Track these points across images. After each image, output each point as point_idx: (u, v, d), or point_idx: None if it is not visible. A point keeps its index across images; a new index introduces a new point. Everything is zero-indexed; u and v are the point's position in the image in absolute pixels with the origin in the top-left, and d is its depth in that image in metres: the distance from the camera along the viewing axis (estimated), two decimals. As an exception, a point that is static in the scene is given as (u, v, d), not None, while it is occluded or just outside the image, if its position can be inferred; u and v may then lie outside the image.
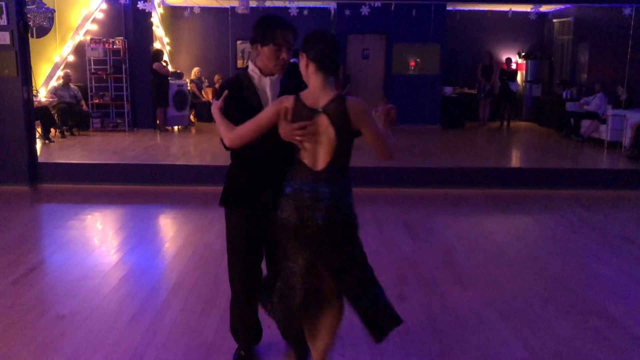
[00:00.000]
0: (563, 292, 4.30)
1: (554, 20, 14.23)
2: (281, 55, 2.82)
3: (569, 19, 13.57)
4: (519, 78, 14.07)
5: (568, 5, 13.08)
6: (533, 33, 14.47)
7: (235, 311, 3.22)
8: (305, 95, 2.63)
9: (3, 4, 7.17)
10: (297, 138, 2.61)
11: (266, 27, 2.80)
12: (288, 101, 2.62)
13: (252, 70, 2.87)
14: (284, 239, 2.72)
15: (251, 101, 2.84)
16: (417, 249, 5.32)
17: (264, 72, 2.86)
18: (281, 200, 2.71)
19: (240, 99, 2.84)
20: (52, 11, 10.60)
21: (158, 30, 13.08)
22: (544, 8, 13.68)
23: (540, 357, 3.35)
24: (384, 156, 2.82)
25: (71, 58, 11.78)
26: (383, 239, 5.57)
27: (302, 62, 2.66)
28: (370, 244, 5.38)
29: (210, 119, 13.44)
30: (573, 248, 5.44)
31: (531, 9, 11.30)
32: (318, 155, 2.65)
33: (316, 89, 2.64)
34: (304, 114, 2.59)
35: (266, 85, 2.87)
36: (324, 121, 2.60)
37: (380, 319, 2.87)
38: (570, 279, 4.60)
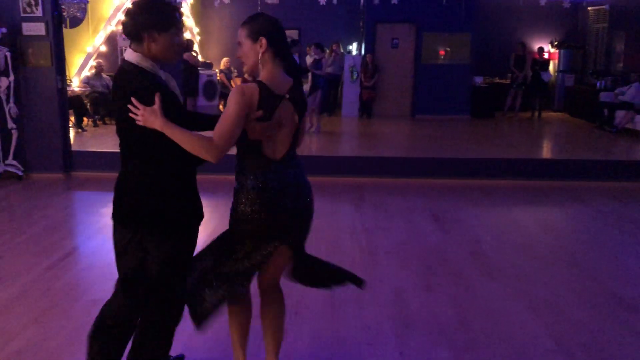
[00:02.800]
0: (593, 285, 4.25)
1: (589, 9, 13.90)
2: (179, 40, 2.50)
3: (604, 6, 13.25)
4: (551, 68, 13.81)
5: (604, -7, 12.77)
6: (566, 22, 14.16)
7: (168, 337, 2.81)
8: (267, 81, 2.47)
9: (38, -5, 7.31)
10: (268, 133, 2.46)
11: (164, 9, 2.44)
12: (252, 88, 2.41)
13: (145, 62, 2.44)
14: (246, 233, 2.60)
15: (175, 99, 2.48)
16: (445, 239, 5.30)
17: (167, 61, 2.52)
18: (241, 196, 2.59)
19: (171, 99, 2.45)
20: (85, 2, 10.77)
21: (188, 20, 13.18)
22: (579, -5, 13.37)
23: (568, 349, 3.32)
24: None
25: (103, 48, 11.96)
26: (411, 230, 5.57)
27: (256, 47, 2.47)
28: (398, 235, 5.39)
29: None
30: (605, 240, 5.35)
31: (565, -4, 11.06)
32: (277, 143, 2.54)
33: (277, 74, 2.51)
34: (270, 101, 2.45)
35: (169, 78, 2.59)
36: (289, 107, 2.54)
37: (349, 274, 2.89)
38: (601, 271, 4.54)
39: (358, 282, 2.86)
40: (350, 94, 13.08)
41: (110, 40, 11.96)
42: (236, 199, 2.62)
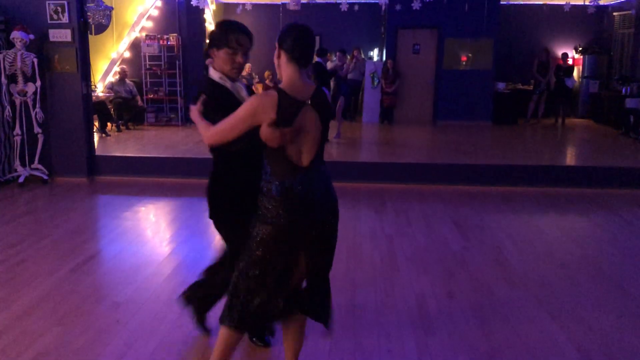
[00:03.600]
0: (618, 294, 4.18)
1: (614, 14, 13.71)
2: (236, 59, 2.83)
3: (630, 12, 13.06)
4: (575, 74, 13.65)
5: (629, -2, 12.60)
6: (591, 27, 13.99)
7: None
8: (286, 88, 2.52)
9: (65, 2, 7.44)
10: (290, 139, 2.50)
11: (222, 31, 2.82)
12: (269, 96, 2.48)
13: (217, 76, 2.84)
14: (266, 236, 2.56)
15: (232, 105, 2.68)
16: (466, 246, 5.26)
17: (230, 79, 2.86)
18: (265, 199, 2.56)
19: (221, 104, 2.73)
20: (111, 9, 10.94)
21: (211, 26, 13.31)
22: (603, 1, 13.20)
23: (591, 358, 3.27)
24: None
25: (127, 54, 12.12)
26: (432, 236, 5.53)
27: (276, 53, 2.63)
28: (419, 241, 5.36)
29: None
30: (630, 249, 5.26)
31: (590, 1, 10.94)
32: (303, 150, 2.56)
33: (296, 81, 2.55)
34: (291, 107, 2.49)
35: (240, 89, 2.90)
36: (312, 113, 2.56)
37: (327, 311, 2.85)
38: (626, 280, 4.46)
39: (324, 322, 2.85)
40: (371, 100, 13.07)
41: (134, 46, 12.13)
42: (261, 203, 2.60)
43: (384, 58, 13.50)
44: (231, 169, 2.84)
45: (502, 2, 12.93)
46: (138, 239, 5.42)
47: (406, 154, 9.14)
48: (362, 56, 13.55)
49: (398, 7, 12.01)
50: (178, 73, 12.00)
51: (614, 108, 12.11)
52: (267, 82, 14.18)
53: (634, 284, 4.38)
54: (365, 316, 3.78)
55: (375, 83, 12.86)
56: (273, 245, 2.56)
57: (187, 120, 12.18)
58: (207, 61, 2.90)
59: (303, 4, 10.70)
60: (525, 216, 6.49)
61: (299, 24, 2.63)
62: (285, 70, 2.57)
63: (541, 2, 12.93)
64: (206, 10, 12.50)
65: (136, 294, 4.08)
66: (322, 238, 2.66)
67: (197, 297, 3.43)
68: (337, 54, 10.93)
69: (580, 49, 13.82)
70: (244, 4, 11.87)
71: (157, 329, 3.57)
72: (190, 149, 9.09)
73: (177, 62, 11.96)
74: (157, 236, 5.55)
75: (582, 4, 11.72)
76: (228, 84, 2.86)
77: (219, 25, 2.88)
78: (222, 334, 2.77)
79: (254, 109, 2.46)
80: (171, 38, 11.91)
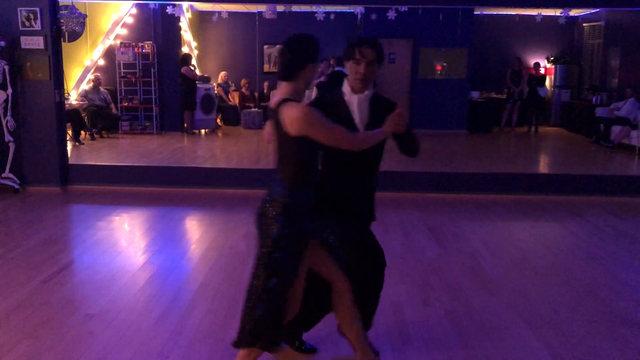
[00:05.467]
0: (591, 300, 4.24)
1: (584, 25, 14.01)
2: (359, 69, 3.01)
3: (599, 23, 13.36)
4: (547, 83, 13.88)
5: (599, 9, 12.89)
6: (562, 37, 14.27)
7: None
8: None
9: (37, 9, 7.35)
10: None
11: (350, 45, 3.08)
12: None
13: (345, 87, 3.09)
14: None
15: (340, 115, 2.99)
16: (442, 254, 5.29)
17: (354, 90, 3.04)
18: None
19: (332, 112, 2.94)
20: (84, 16, 10.80)
21: (186, 34, 13.24)
22: (574, 12, 13.49)
23: (567, 365, 3.31)
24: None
25: (101, 62, 11.99)
26: (408, 244, 5.56)
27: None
28: (395, 249, 5.38)
29: (236, 122, 13.57)
30: (602, 256, 5.35)
31: (561, 13, 11.15)
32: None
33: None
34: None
35: (354, 102, 3.07)
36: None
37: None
38: (598, 287, 4.53)
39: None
40: (347, 108, 13.10)
41: (109, 54, 12.00)
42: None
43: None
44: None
45: (476, 13, 13.11)
46: (112, 249, 5.35)
47: (382, 162, 9.16)
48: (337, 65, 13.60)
49: (373, 16, 12.12)
50: (153, 81, 11.90)
51: (585, 117, 12.34)
52: (243, 90, 14.15)
53: (605, 290, 4.46)
54: (342, 325, 3.77)
55: (352, 92, 12.91)
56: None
57: (162, 128, 12.10)
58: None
59: (279, 12, 10.71)
60: (499, 223, 6.56)
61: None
62: None
63: (514, 13, 13.15)
64: (182, 18, 12.43)
65: (110, 305, 4.02)
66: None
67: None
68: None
69: (552, 58, 14.08)
70: (219, 12, 11.84)
71: (131, 340, 3.51)
72: (165, 158, 9.01)
73: (152, 70, 11.87)
74: (131, 246, 5.48)
75: (554, 14, 11.95)
76: (347, 96, 3.07)
77: (351, 40, 3.20)
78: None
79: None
80: (146, 46, 11.82)
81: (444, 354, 3.42)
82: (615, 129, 10.82)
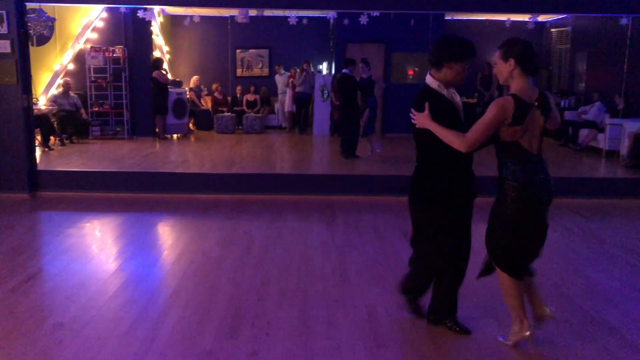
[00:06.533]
0: (562, 302, 4.31)
1: (552, 30, 14.29)
2: (465, 68, 3.37)
3: (566, 28, 13.64)
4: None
5: (566, 15, 13.15)
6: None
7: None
8: (518, 93, 3.14)
9: (4, 12, 7.20)
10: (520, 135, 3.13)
11: (462, 46, 3.30)
12: (509, 101, 3.11)
13: (435, 83, 3.31)
14: (507, 216, 3.27)
15: (450, 109, 3.28)
16: (415, 257, 5.31)
17: (445, 85, 3.31)
18: (503, 185, 3.29)
19: (442, 108, 3.26)
20: (53, 20, 10.62)
21: (158, 38, 13.13)
22: (542, 18, 13.74)
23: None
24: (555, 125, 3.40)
25: (71, 66, 11.81)
26: (382, 247, 5.58)
27: (507, 66, 3.17)
28: (370, 252, 5.40)
29: (209, 127, 13.48)
30: (572, 257, 5.44)
31: (529, 18, 11.33)
32: (532, 140, 3.17)
33: (525, 87, 3.17)
34: (523, 109, 3.10)
35: (452, 94, 3.39)
36: (537, 112, 3.17)
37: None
38: (568, 288, 4.60)
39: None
40: (321, 113, 13.14)
41: (79, 58, 11.83)
42: (499, 189, 3.33)
43: (333, 71, 13.63)
44: (438, 165, 3.42)
45: (446, 18, 13.28)
46: (82, 256, 5.25)
47: (356, 166, 9.21)
48: (312, 69, 13.64)
49: (346, 21, 12.16)
50: (124, 85, 11.77)
51: (554, 120, 12.55)
52: (215, 94, 14.08)
53: (577, 291, 4.53)
54: (317, 328, 3.76)
55: (325, 96, 12.95)
56: (527, 214, 3.23)
57: (133, 133, 11.96)
58: (431, 72, 3.34)
59: (252, 16, 10.68)
60: (472, 226, 6.61)
61: (521, 39, 3.24)
62: (518, 79, 3.17)
63: (484, 18, 13.34)
64: (153, 23, 12.32)
65: (80, 313, 3.94)
66: (546, 209, 3.30)
67: (408, 288, 3.84)
68: (362, 65, 10.66)
69: (522, 63, 14.31)
70: (191, 16, 11.76)
71: (102, 349, 3.45)
72: (137, 163, 8.91)
73: (123, 75, 11.74)
74: (102, 253, 5.39)
75: (522, 20, 12.16)
76: (444, 91, 3.31)
77: (455, 40, 3.33)
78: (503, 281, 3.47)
79: (500, 113, 3.09)
80: (117, 50, 11.68)
81: (418, 356, 3.44)
82: (583, 132, 11.05)
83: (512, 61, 3.16)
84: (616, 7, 9.05)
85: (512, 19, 12.16)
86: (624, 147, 9.82)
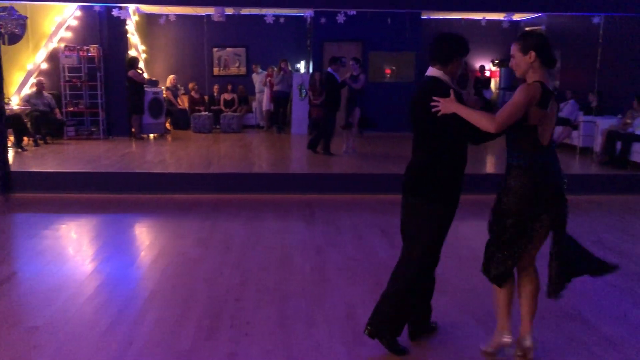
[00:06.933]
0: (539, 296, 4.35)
1: (526, 29, 14.47)
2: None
3: (540, 27, 13.82)
4: (492, 85, 14.26)
5: (540, 14, 13.33)
6: (506, 41, 14.63)
7: (407, 302, 3.49)
8: (544, 82, 3.17)
9: (-26, 10, 7.07)
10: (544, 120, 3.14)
11: (464, 44, 3.44)
12: (536, 86, 3.12)
13: (445, 77, 3.41)
14: (512, 206, 3.25)
15: (461, 100, 3.34)
16: (394, 254, 5.31)
17: (451, 79, 3.45)
18: (511, 172, 3.27)
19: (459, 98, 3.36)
20: (25, 18, 10.47)
21: (133, 37, 12.99)
22: (517, 16, 13.92)
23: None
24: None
25: (45, 65, 11.63)
26: (361, 246, 5.59)
27: (527, 58, 3.18)
28: (349, 251, 5.41)
29: (186, 126, 13.38)
30: (545, 252, 5.50)
31: (504, 17, 11.49)
32: (546, 130, 3.17)
33: (545, 78, 3.19)
34: (547, 95, 3.14)
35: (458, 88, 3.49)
36: (555, 103, 3.20)
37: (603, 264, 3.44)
38: (545, 283, 4.65)
39: (611, 268, 3.37)
40: (299, 111, 13.14)
41: (52, 57, 11.65)
42: (506, 176, 3.29)
43: (311, 70, 13.62)
44: (449, 156, 3.45)
45: (423, 17, 13.36)
46: (57, 259, 5.17)
47: (335, 165, 9.23)
48: (289, 68, 13.62)
49: (323, 20, 12.18)
50: (99, 85, 11.63)
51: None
52: (192, 93, 13.98)
53: (551, 286, 4.58)
54: (296, 327, 3.76)
55: (303, 95, 12.95)
56: (526, 206, 3.22)
57: (109, 133, 11.82)
58: (436, 67, 3.41)
59: (228, 15, 10.63)
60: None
61: (538, 33, 3.34)
62: (538, 70, 3.19)
63: (460, 17, 13.47)
64: (128, 21, 12.19)
65: (55, 317, 3.88)
66: (558, 198, 3.29)
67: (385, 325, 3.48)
68: (352, 62, 10.63)
69: (497, 62, 14.48)
70: (167, 15, 11.66)
71: (78, 352, 3.40)
72: (113, 163, 8.81)
73: (98, 74, 11.59)
74: (78, 255, 5.32)
75: (497, 19, 12.30)
76: (453, 84, 3.44)
77: (458, 36, 3.44)
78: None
79: (530, 96, 3.09)
80: (92, 49, 11.53)
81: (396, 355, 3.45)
82: (557, 130, 11.19)
83: (532, 53, 3.17)
84: (588, 6, 9.20)
85: (487, 17, 12.30)
86: (597, 144, 9.99)
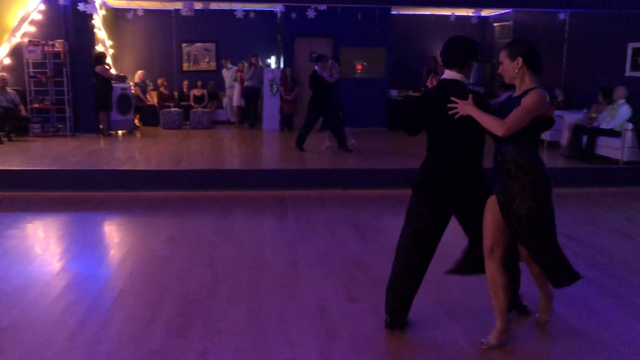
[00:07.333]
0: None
1: (495, 24, 14.65)
2: None
3: (508, 23, 14.00)
4: (462, 80, 14.38)
5: (508, 10, 13.51)
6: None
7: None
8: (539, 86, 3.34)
9: None
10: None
11: (477, 48, 3.62)
12: (545, 92, 3.28)
13: (463, 79, 3.60)
14: (546, 197, 3.37)
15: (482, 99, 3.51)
16: (366, 249, 5.37)
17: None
18: (532, 171, 3.33)
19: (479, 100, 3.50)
20: (-14, 12, 10.18)
21: (100, 32, 12.75)
22: (485, 12, 14.08)
23: (487, 352, 3.43)
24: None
25: (7, 61, 11.32)
26: (333, 241, 5.59)
27: (514, 64, 3.36)
28: (321, 246, 5.40)
29: (155, 123, 13.21)
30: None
31: (472, 13, 11.60)
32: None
33: (538, 83, 3.35)
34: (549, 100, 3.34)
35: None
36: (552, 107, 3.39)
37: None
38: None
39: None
40: (270, 107, 13.07)
41: (15, 52, 11.35)
42: (528, 173, 3.32)
43: (282, 66, 13.57)
44: (440, 154, 3.66)
45: (393, 12, 13.41)
46: (23, 258, 5.04)
47: (307, 161, 9.21)
48: (260, 63, 13.54)
49: (293, 15, 12.13)
50: (65, 81, 11.39)
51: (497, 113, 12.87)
52: (161, 89, 13.80)
53: (521, 280, 4.65)
54: (269, 324, 3.74)
55: (274, 90, 12.89)
56: (547, 199, 3.36)
57: (76, 130, 11.59)
58: (453, 70, 3.59)
59: (198, 10, 10.52)
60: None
61: (524, 40, 3.49)
62: (527, 76, 3.35)
63: (429, 13, 13.56)
64: (95, 16, 11.95)
65: (20, 318, 3.79)
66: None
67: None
68: (330, 61, 10.54)
69: (466, 57, 14.60)
70: (135, 10, 11.48)
71: (46, 354, 3.33)
72: (80, 160, 8.64)
73: (64, 70, 11.35)
74: (45, 254, 5.20)
75: (466, 14, 12.41)
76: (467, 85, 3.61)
77: (473, 42, 3.64)
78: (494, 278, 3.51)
79: (542, 102, 3.24)
80: (57, 44, 11.28)
81: (369, 348, 3.46)
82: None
83: (520, 60, 3.32)
84: (554, 3, 9.35)
85: (456, 13, 12.40)
86: (564, 138, 10.17)
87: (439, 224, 3.67)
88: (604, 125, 9.53)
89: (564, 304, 4.11)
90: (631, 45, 10.07)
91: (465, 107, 3.37)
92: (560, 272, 3.49)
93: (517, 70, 3.35)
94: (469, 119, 3.37)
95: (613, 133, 9.32)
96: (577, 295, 4.31)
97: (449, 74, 3.59)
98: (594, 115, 9.94)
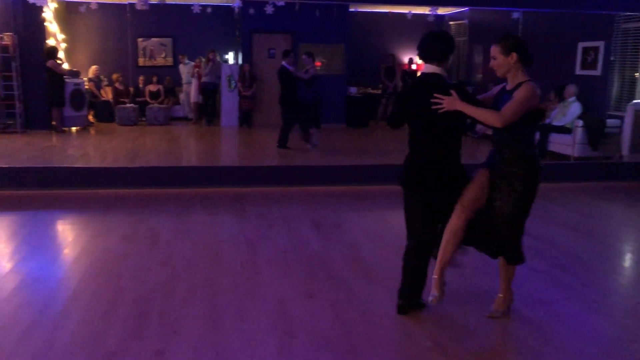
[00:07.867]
0: (465, 284, 4.50)
1: (450, 23, 14.88)
2: None
3: (464, 21, 14.24)
4: (419, 78, 14.55)
5: (463, 9, 13.73)
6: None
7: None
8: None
9: None
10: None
11: (454, 42, 3.72)
12: (535, 85, 3.40)
13: (443, 72, 3.65)
14: (534, 184, 3.63)
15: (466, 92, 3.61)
16: (325, 246, 5.38)
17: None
18: (527, 161, 3.55)
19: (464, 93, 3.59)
20: None
21: (52, 26, 12.38)
22: (441, 11, 14.28)
23: (444, 346, 3.48)
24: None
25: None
26: (292, 238, 5.58)
27: (509, 59, 3.44)
28: (280, 244, 5.39)
29: (110, 119, 12.94)
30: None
31: (429, 11, 11.74)
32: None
33: (528, 76, 3.47)
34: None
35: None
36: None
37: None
38: (472, 271, 4.81)
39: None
40: (229, 103, 12.96)
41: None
42: (524, 163, 3.53)
43: (240, 61, 13.46)
44: (422, 147, 3.87)
45: (350, 10, 13.46)
46: (-30, 260, 4.86)
47: (266, 158, 9.17)
48: (218, 59, 13.40)
49: (251, 11, 12.04)
50: (15, 75, 11.03)
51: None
52: (116, 84, 13.53)
53: (479, 274, 4.75)
54: (227, 323, 3.71)
55: (232, 86, 12.78)
56: (534, 189, 3.61)
57: (27, 127, 11.24)
58: (433, 64, 3.64)
59: (153, 4, 10.32)
60: (377, 213, 6.79)
61: (517, 36, 3.56)
62: (520, 70, 3.46)
63: (386, 11, 13.66)
64: (46, 9, 11.60)
65: (-32, 321, 3.65)
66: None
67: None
68: (303, 56, 10.38)
69: (423, 54, 14.79)
70: (88, 3, 11.18)
71: (-5, 358, 3.22)
72: (31, 157, 8.39)
73: (13, 64, 10.99)
74: (-7, 255, 5.02)
75: (423, 13, 12.56)
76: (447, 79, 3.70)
77: (450, 37, 3.76)
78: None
79: (534, 94, 3.39)
80: (5, 37, 10.92)
81: (329, 344, 3.47)
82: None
83: (514, 55, 3.41)
84: (508, 2, 9.54)
85: (413, 11, 12.54)
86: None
87: (430, 210, 3.87)
88: (555, 123, 9.80)
89: (516, 296, 4.21)
90: (581, 45, 10.39)
91: (453, 103, 3.46)
92: (516, 249, 3.77)
93: (512, 65, 3.45)
94: (451, 112, 3.47)
95: (564, 130, 9.59)
96: (529, 287, 4.42)
97: (429, 68, 3.67)
98: (546, 112, 10.21)
